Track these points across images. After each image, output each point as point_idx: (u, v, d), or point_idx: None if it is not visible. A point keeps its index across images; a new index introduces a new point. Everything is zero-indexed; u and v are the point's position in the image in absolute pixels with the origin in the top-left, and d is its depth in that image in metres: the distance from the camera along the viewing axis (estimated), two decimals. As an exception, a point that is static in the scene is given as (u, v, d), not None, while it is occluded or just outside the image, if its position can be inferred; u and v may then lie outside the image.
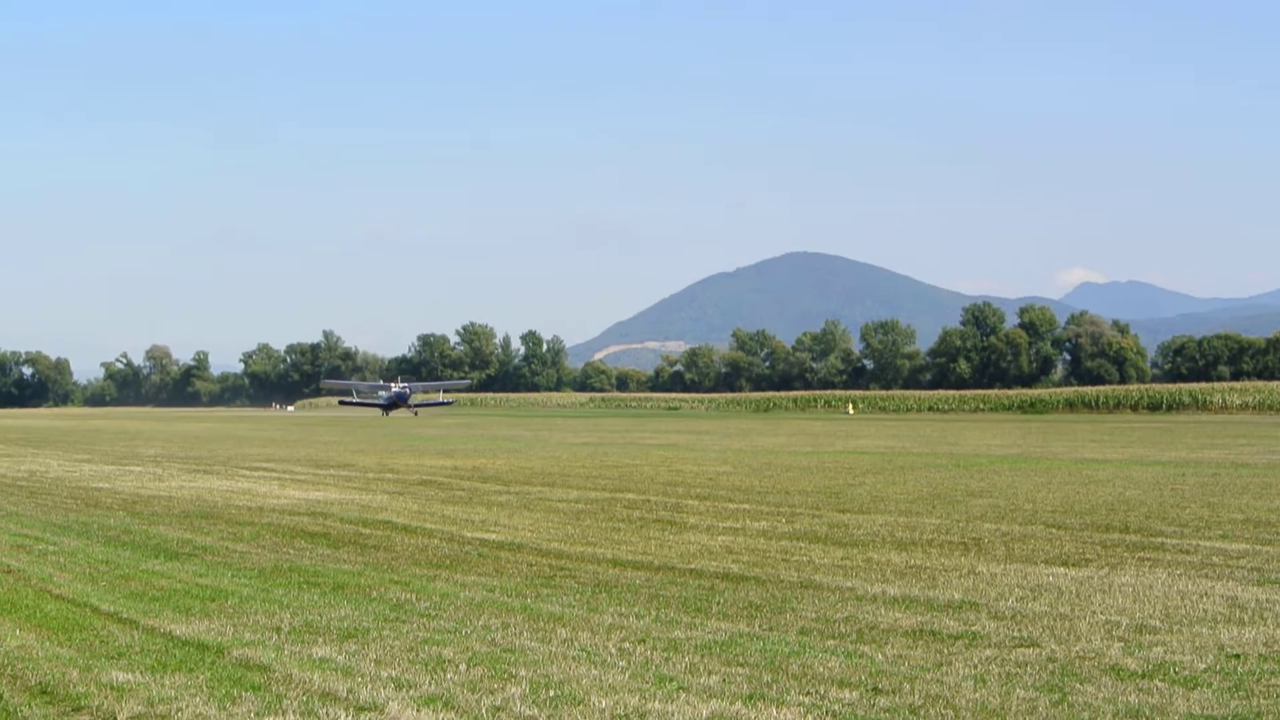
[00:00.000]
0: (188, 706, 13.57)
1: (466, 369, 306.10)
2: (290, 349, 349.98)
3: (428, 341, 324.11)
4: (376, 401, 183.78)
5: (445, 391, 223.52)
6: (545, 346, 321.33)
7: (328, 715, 13.13)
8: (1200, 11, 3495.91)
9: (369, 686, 14.17)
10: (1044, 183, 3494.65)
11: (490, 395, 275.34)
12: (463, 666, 15.02)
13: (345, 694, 13.88)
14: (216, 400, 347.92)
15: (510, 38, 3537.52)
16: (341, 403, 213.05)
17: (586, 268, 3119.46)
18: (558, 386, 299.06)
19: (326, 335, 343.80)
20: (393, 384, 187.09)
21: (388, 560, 24.45)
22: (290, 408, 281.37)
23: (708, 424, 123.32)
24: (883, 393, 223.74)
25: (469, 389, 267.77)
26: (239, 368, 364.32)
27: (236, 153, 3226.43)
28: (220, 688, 14.31)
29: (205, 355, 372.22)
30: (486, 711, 13.16)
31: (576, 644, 16.22)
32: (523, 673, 14.66)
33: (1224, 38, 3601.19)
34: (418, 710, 13.24)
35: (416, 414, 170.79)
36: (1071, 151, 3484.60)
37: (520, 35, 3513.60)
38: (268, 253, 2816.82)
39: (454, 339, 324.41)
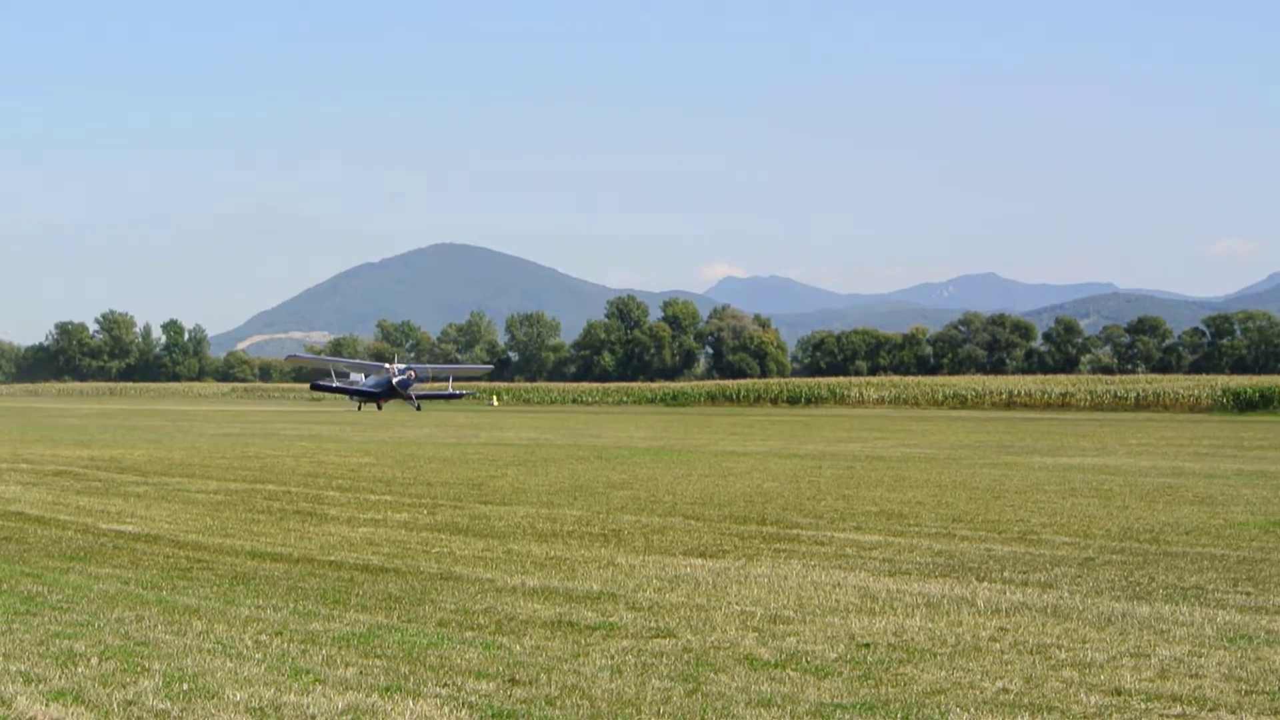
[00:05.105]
0: None
1: (106, 358, 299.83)
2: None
3: (65, 329, 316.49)
4: (363, 388, 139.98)
5: (456, 380, 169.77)
6: (187, 335, 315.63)
7: (-48, 712, 12.77)
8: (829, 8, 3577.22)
9: (-4, 681, 13.80)
10: (686, 178, 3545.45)
11: (131, 385, 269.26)
12: (95, 660, 14.70)
13: (-29, 689, 13.49)
14: None
15: (158, 24, 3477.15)
16: (314, 387, 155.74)
17: (229, 256, 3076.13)
18: (200, 376, 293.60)
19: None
20: (388, 364, 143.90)
21: (19, 552, 23.83)
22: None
23: (351, 415, 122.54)
24: (527, 384, 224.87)
25: (487, 375, 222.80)
26: None
27: None
28: None
29: None
30: (118, 705, 12.90)
31: (212, 637, 16.02)
32: (156, 666, 14.40)
33: (860, 34, 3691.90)
34: (47, 705, 12.90)
35: (419, 408, 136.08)
36: (713, 147, 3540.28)
37: (169, 19, 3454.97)
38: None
39: (93, 327, 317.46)
